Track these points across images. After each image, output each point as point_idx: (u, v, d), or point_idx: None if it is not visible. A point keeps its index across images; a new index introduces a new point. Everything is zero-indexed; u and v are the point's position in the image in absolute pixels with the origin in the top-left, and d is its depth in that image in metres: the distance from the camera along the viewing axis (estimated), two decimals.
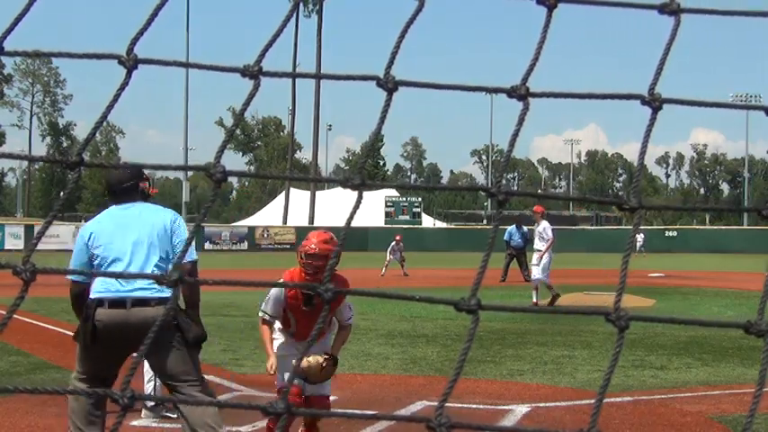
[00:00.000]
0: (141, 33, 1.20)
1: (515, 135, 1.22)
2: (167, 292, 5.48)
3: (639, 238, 52.56)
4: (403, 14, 1.29)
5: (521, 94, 1.21)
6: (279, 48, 1.32)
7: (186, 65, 1.33)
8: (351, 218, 1.20)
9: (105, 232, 5.65)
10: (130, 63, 1.20)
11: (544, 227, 17.41)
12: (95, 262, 5.60)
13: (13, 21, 1.20)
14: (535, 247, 17.67)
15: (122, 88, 1.21)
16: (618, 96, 1.24)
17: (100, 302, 5.44)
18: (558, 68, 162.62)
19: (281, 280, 5.75)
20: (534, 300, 17.13)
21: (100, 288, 5.49)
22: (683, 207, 1.43)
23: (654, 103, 1.19)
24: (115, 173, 5.98)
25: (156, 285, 5.52)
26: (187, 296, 5.71)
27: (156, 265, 5.59)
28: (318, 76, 1.39)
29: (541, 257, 17.25)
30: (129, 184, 5.83)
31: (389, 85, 1.22)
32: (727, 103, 1.28)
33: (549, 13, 1.25)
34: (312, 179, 1.41)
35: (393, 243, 29.99)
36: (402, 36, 1.25)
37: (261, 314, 6.18)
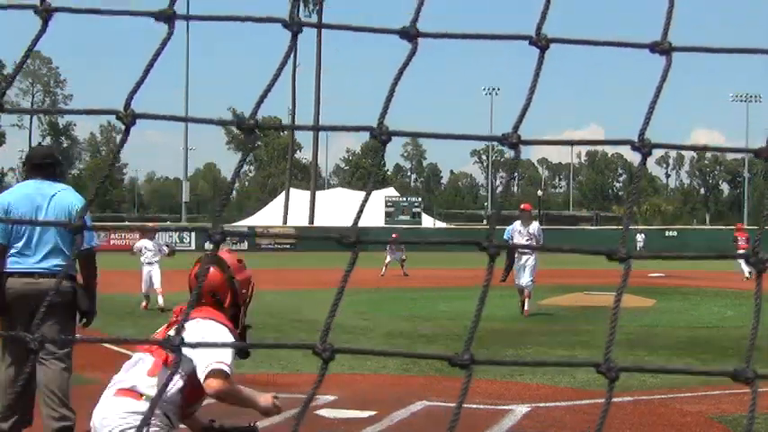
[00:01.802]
0: (138, 87, 1.20)
1: (507, 184, 1.20)
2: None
3: (640, 238, 52.48)
4: (403, 12, 1.26)
5: (512, 142, 1.18)
6: (278, 48, 1.30)
7: (185, 119, 1.34)
8: (347, 276, 1.19)
9: (22, 206, 6.04)
10: (128, 119, 1.19)
11: (537, 227, 16.76)
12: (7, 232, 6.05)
13: (8, 80, 1.20)
14: (521, 250, 16.81)
15: (122, 144, 1.22)
16: (609, 143, 1.22)
17: (9, 275, 6.00)
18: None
19: (218, 323, 4.06)
20: (526, 308, 16.45)
21: (11, 264, 6.05)
22: (672, 255, 1.37)
23: (643, 149, 1.18)
24: (39, 148, 6.53)
25: (62, 263, 6.05)
26: (84, 275, 6.16)
27: (60, 249, 6.06)
28: (316, 128, 1.39)
29: (527, 262, 16.34)
30: (50, 161, 6.28)
31: (383, 136, 1.21)
32: (718, 146, 1.25)
33: (542, 54, 1.21)
34: (310, 237, 1.40)
35: None
36: (396, 82, 1.21)
37: (226, 369, 3.83)
